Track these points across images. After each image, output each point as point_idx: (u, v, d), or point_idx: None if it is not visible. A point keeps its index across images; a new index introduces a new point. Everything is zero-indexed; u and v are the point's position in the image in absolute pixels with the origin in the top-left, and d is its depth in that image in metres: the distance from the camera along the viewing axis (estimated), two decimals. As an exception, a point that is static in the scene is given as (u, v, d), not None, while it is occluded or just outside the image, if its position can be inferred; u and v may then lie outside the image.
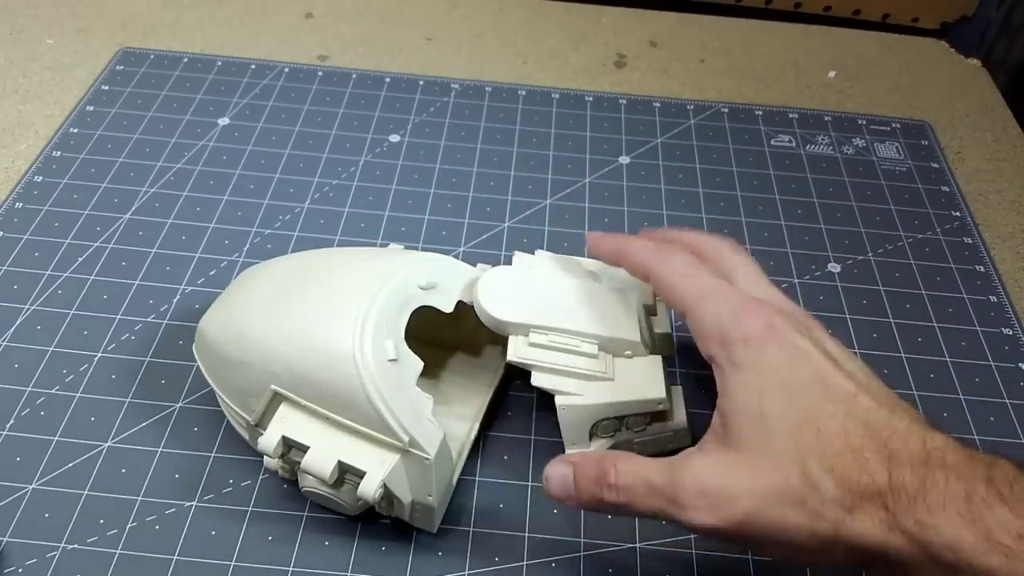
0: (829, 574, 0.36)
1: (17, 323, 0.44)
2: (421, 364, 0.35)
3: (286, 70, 0.61)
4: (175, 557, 0.35)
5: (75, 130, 0.55)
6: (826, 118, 0.61)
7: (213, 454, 0.39)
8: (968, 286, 0.49)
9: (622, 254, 0.36)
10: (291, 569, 0.35)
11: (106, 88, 0.58)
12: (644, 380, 0.36)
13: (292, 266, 0.39)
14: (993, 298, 0.48)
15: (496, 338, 0.40)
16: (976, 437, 0.42)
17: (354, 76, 0.61)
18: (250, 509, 0.37)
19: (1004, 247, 0.52)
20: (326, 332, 0.34)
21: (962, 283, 0.49)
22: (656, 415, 0.37)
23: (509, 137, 0.57)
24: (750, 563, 0.36)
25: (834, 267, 0.50)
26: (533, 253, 0.40)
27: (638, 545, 0.37)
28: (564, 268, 0.39)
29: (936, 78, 0.66)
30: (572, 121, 0.59)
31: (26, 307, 0.44)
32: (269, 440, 0.34)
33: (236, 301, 0.38)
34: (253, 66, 0.61)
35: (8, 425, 0.39)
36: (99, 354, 0.42)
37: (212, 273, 0.47)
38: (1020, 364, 0.45)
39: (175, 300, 0.45)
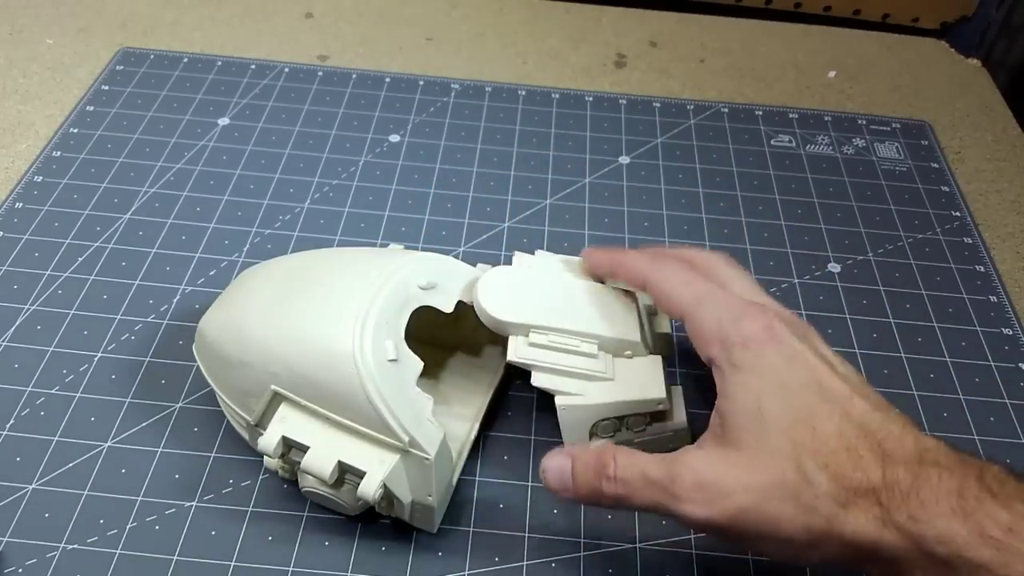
0: (829, 575, 0.37)
1: (17, 323, 0.44)
2: (421, 364, 0.35)
3: (286, 70, 0.61)
4: (175, 557, 0.35)
5: (75, 130, 0.55)
6: (826, 118, 0.61)
7: (213, 454, 0.39)
8: (968, 286, 0.49)
9: (617, 265, 0.37)
10: (291, 569, 0.35)
11: (106, 88, 0.58)
12: (644, 380, 0.36)
13: (292, 266, 0.39)
14: (993, 298, 0.48)
15: (496, 338, 0.40)
16: (976, 437, 0.42)
17: (354, 76, 0.61)
18: (250, 509, 0.37)
19: (1004, 247, 0.52)
20: (326, 332, 0.34)
21: (962, 283, 0.49)
22: (656, 415, 0.37)
23: (509, 137, 0.57)
24: (750, 563, 0.36)
25: (834, 267, 0.50)
26: (533, 253, 0.41)
27: (638, 545, 0.37)
28: (564, 268, 0.39)
29: (936, 78, 0.66)
30: (572, 121, 0.59)
31: (26, 307, 0.44)
32: (269, 440, 0.34)
33: (236, 301, 0.38)
34: (253, 66, 0.61)
35: (8, 425, 0.39)
36: (99, 354, 0.42)
37: (212, 273, 0.47)
38: (1020, 364, 0.45)
39: (175, 300, 0.45)
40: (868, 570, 0.29)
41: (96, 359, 0.42)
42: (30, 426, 0.39)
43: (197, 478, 0.38)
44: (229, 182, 0.52)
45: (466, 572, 0.36)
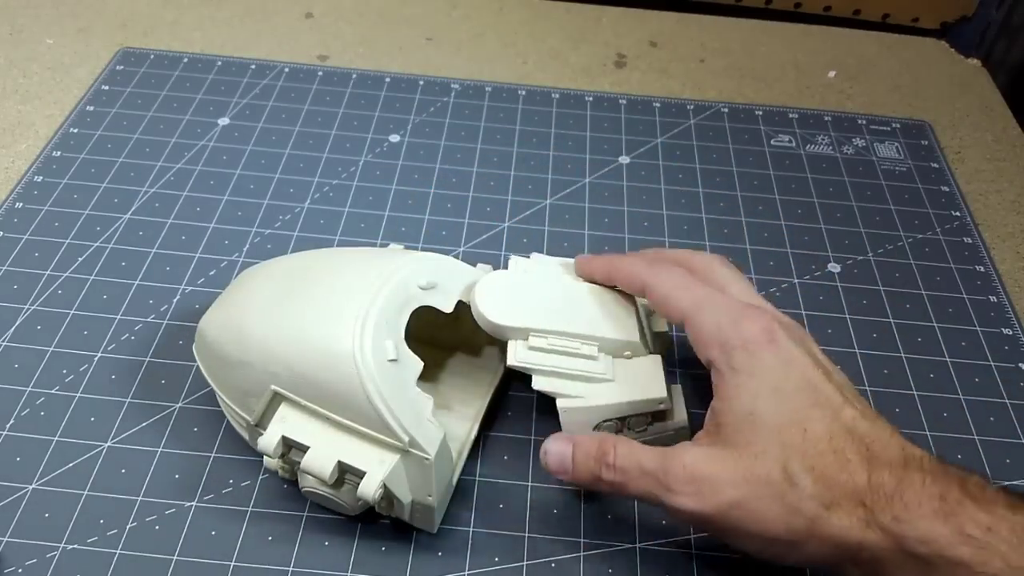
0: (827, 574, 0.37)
1: (17, 323, 0.44)
2: (421, 364, 0.35)
3: (286, 70, 0.61)
4: (175, 557, 0.35)
5: (75, 130, 0.55)
6: (826, 118, 0.61)
7: (213, 454, 0.39)
8: (968, 286, 0.49)
9: (614, 271, 0.38)
10: (291, 569, 0.35)
11: (106, 88, 0.58)
12: (645, 380, 0.36)
13: (292, 266, 0.39)
14: (993, 298, 0.48)
15: (496, 339, 0.41)
16: (976, 437, 0.42)
17: (354, 76, 0.61)
18: (250, 509, 0.37)
19: (1004, 247, 0.52)
20: (326, 332, 0.34)
21: (962, 283, 0.49)
22: (657, 415, 0.37)
23: (509, 137, 0.57)
24: (751, 564, 0.36)
25: (834, 267, 0.50)
26: (529, 256, 0.40)
27: (638, 545, 0.37)
28: (561, 270, 0.39)
29: (936, 78, 0.66)
30: (572, 121, 0.59)
31: (26, 307, 0.44)
32: (269, 440, 0.34)
33: (236, 301, 0.38)
34: (253, 66, 0.61)
35: (8, 425, 0.39)
36: (99, 354, 0.42)
37: (212, 273, 0.47)
38: (1020, 364, 0.45)
39: (175, 300, 0.45)
40: (849, 571, 0.30)
41: (96, 359, 0.42)
42: (30, 426, 0.39)
43: (197, 478, 0.38)
44: (229, 182, 0.52)
45: (466, 572, 0.36)
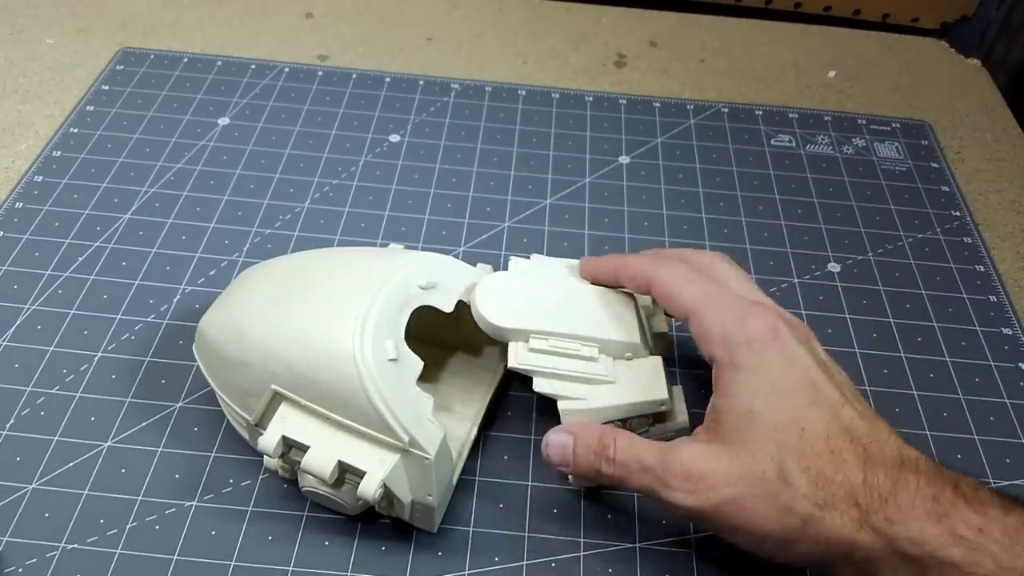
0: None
1: (17, 323, 0.44)
2: (421, 364, 0.35)
3: (286, 70, 0.61)
4: (175, 557, 0.35)
5: (75, 130, 0.55)
6: (826, 118, 0.61)
7: (213, 454, 0.39)
8: (968, 286, 0.49)
9: (620, 268, 0.38)
10: (291, 569, 0.35)
11: (106, 88, 0.59)
12: (646, 381, 0.36)
13: (292, 266, 0.39)
14: (993, 298, 0.49)
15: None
16: (976, 437, 0.42)
17: (354, 76, 0.61)
18: (250, 509, 0.37)
19: (1004, 247, 0.52)
20: (326, 332, 0.34)
21: (962, 283, 0.49)
22: (658, 416, 0.37)
23: (509, 137, 0.57)
24: (751, 564, 0.36)
25: (834, 267, 0.50)
26: (529, 257, 0.40)
27: (638, 545, 0.37)
28: (561, 271, 0.39)
29: (936, 78, 0.66)
30: (572, 121, 0.59)
31: (26, 307, 0.44)
32: (269, 440, 0.34)
33: (236, 301, 0.38)
34: (253, 66, 0.61)
35: (8, 425, 0.39)
36: (99, 354, 0.43)
37: (212, 273, 0.47)
38: (1020, 364, 0.45)
39: (175, 300, 0.45)
40: (842, 571, 0.30)
41: (96, 359, 0.42)
42: (30, 426, 0.39)
43: (197, 478, 0.38)
44: (229, 182, 0.52)
45: (466, 572, 0.36)
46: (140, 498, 0.37)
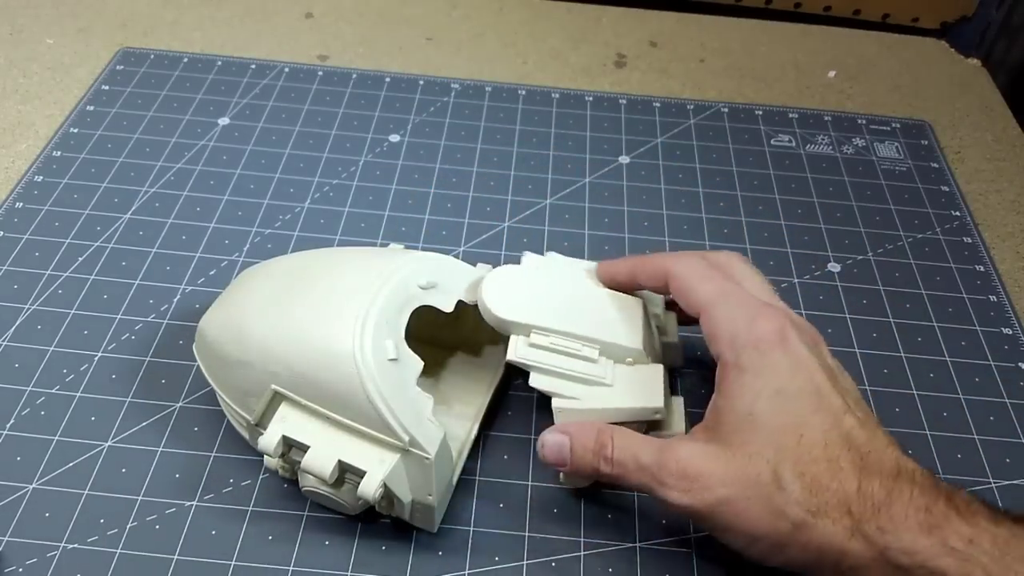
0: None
1: (17, 323, 0.44)
2: (421, 364, 0.35)
3: (286, 70, 0.61)
4: (175, 557, 0.35)
5: (75, 130, 0.55)
6: (826, 118, 0.61)
7: (213, 454, 0.39)
8: (968, 286, 0.49)
9: (638, 266, 0.37)
10: (291, 569, 0.35)
11: (106, 88, 0.59)
12: (644, 388, 0.36)
13: (292, 266, 0.39)
14: (993, 298, 0.49)
15: (496, 338, 0.40)
16: (976, 437, 0.42)
17: (354, 76, 0.61)
18: (250, 509, 0.37)
19: (1004, 247, 0.52)
20: (326, 332, 0.34)
21: (962, 283, 0.49)
22: (653, 424, 0.37)
23: (509, 137, 0.57)
24: (751, 564, 0.36)
25: (834, 267, 0.50)
26: (544, 254, 0.40)
27: (638, 545, 0.37)
28: (572, 271, 0.39)
29: (936, 78, 0.66)
30: (572, 121, 0.59)
31: (26, 307, 0.44)
32: (269, 440, 0.34)
33: (236, 301, 0.38)
34: (253, 66, 0.61)
35: (8, 425, 0.39)
36: (99, 354, 0.43)
37: (212, 273, 0.47)
38: (1020, 364, 0.45)
39: (175, 300, 0.45)
40: None
41: (96, 359, 0.42)
42: (30, 426, 0.39)
43: (197, 478, 0.38)
44: (229, 182, 0.52)
45: (466, 572, 0.36)
46: (140, 498, 0.37)
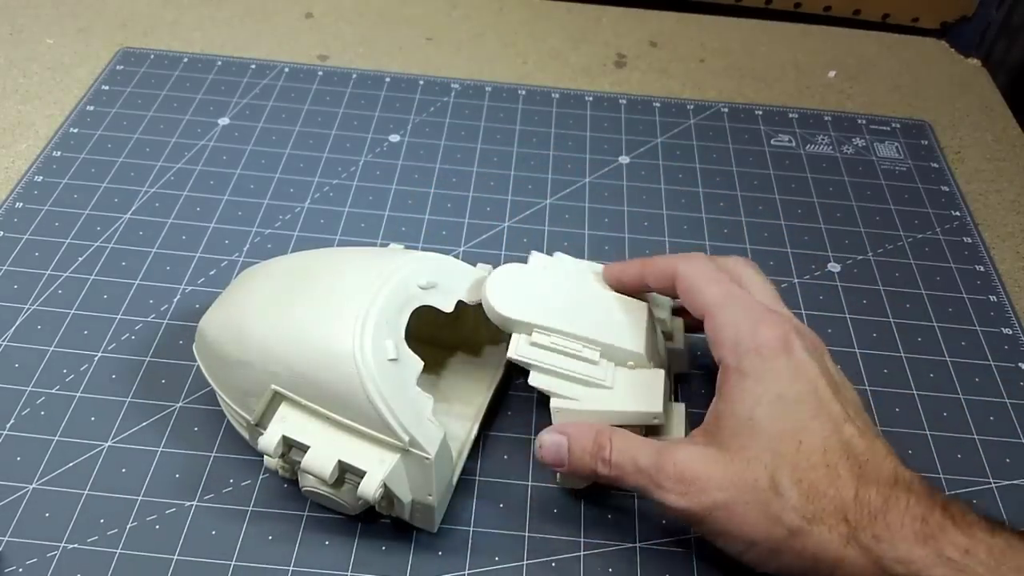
0: None
1: (17, 323, 0.44)
2: (421, 364, 0.35)
3: (286, 70, 0.61)
4: (175, 557, 0.35)
5: (75, 130, 0.55)
6: (826, 118, 0.61)
7: (213, 454, 0.39)
8: (968, 286, 0.49)
9: (646, 266, 0.37)
10: (291, 569, 0.35)
11: (106, 88, 0.59)
12: (643, 393, 0.36)
13: (292, 266, 0.39)
14: (993, 298, 0.49)
15: (496, 338, 0.41)
16: (976, 437, 0.42)
17: (354, 76, 0.61)
18: (250, 509, 0.37)
19: (1004, 247, 0.52)
20: (326, 332, 0.34)
21: (962, 283, 0.49)
22: (651, 429, 0.36)
23: (509, 137, 0.57)
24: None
25: (834, 267, 0.50)
26: (553, 254, 0.40)
27: (638, 545, 0.37)
28: (578, 272, 0.39)
29: (936, 78, 0.66)
30: (572, 121, 0.59)
31: (26, 307, 0.44)
32: (269, 440, 0.34)
33: (236, 301, 0.38)
34: (253, 66, 0.61)
35: (8, 425, 0.39)
36: (99, 354, 0.42)
37: (212, 273, 0.47)
38: (1020, 364, 0.45)
39: (175, 300, 0.45)
40: None
41: (96, 359, 0.42)
42: (30, 426, 0.39)
43: (197, 478, 0.38)
44: (229, 182, 0.52)
45: (466, 572, 0.36)
46: (140, 498, 0.37)
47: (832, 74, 0.65)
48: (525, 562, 0.36)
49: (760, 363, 0.32)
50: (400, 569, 0.35)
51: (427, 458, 0.33)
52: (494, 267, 0.39)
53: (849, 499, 0.29)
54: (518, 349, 0.36)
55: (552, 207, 0.52)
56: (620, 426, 0.35)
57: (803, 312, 0.47)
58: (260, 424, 0.35)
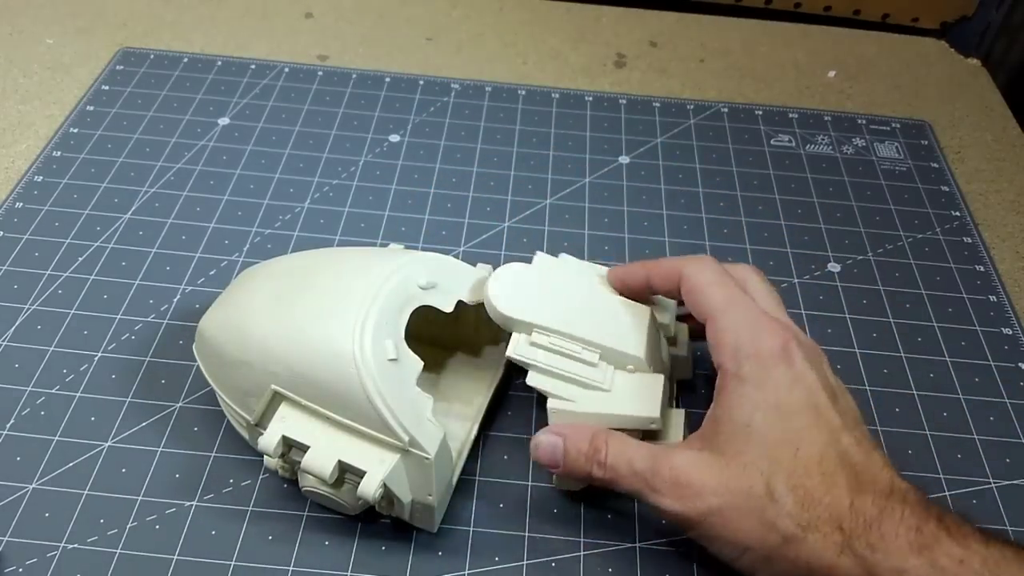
0: None
1: (17, 323, 0.44)
2: (421, 364, 0.35)
3: (286, 70, 0.61)
4: (175, 557, 0.35)
5: (75, 130, 0.55)
6: (826, 118, 0.61)
7: (213, 454, 0.39)
8: (968, 286, 0.49)
9: (651, 268, 0.37)
10: (291, 569, 0.35)
11: (106, 88, 0.59)
12: (641, 397, 0.36)
13: (292, 266, 0.39)
14: (993, 298, 0.49)
15: (496, 338, 0.41)
16: (976, 437, 0.42)
17: (354, 76, 0.61)
18: (250, 509, 0.37)
19: (1004, 247, 0.52)
20: (326, 332, 0.34)
21: (962, 283, 0.49)
22: (650, 435, 0.36)
23: (509, 137, 0.57)
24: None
25: (834, 267, 0.50)
26: (558, 256, 0.40)
27: (638, 545, 0.37)
28: (582, 274, 0.39)
29: (936, 78, 0.66)
30: (572, 121, 0.59)
31: (26, 307, 0.44)
32: (269, 440, 0.34)
33: (236, 301, 0.38)
34: (253, 66, 0.61)
35: (8, 425, 0.39)
36: (99, 354, 0.43)
37: (212, 273, 0.47)
38: (1020, 364, 0.45)
39: (175, 300, 0.45)
40: None
41: (96, 359, 0.42)
42: (30, 426, 0.39)
43: (197, 478, 0.38)
44: (229, 182, 0.52)
45: (466, 572, 0.36)
46: (140, 498, 0.37)
47: (832, 74, 0.65)
48: (525, 562, 0.36)
49: (760, 370, 0.32)
50: (400, 569, 0.35)
51: (427, 458, 0.33)
52: (494, 267, 0.39)
53: (844, 508, 0.29)
54: (517, 348, 0.36)
55: (552, 207, 0.52)
56: (617, 430, 0.35)
57: (803, 312, 0.47)
58: (260, 424, 0.35)
